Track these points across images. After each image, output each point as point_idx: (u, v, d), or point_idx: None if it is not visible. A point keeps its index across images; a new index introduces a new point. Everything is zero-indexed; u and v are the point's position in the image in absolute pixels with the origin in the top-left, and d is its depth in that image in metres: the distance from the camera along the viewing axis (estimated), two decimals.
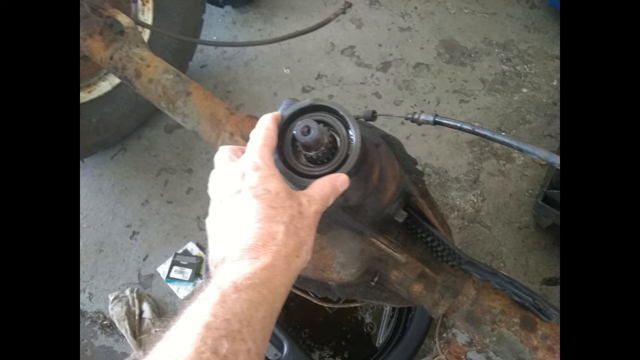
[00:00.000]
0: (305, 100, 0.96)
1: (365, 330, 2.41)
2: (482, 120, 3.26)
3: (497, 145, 3.10)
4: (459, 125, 1.20)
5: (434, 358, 2.32)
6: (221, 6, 3.90)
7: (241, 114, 1.71)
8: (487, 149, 3.11)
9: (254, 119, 1.65)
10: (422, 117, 1.26)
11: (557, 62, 3.49)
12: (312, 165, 0.94)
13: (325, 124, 0.94)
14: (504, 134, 1.03)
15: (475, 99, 3.38)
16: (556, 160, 1.03)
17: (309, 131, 0.87)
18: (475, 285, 1.30)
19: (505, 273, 1.32)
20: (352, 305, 1.47)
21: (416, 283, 1.28)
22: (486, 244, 2.80)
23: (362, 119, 1.32)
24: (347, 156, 0.93)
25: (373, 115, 1.33)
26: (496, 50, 3.61)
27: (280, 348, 2.03)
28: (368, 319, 2.43)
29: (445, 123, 1.23)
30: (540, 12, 3.79)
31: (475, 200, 2.94)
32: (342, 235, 1.18)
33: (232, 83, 3.58)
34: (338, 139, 0.94)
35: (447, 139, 3.18)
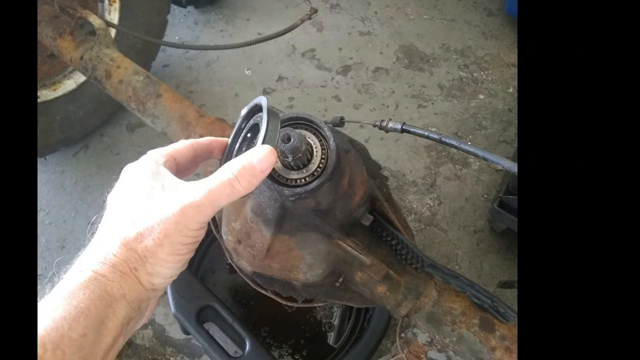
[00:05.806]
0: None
1: (323, 329, 2.44)
2: (440, 126, 3.32)
3: (453, 150, 3.16)
4: (426, 133, 1.24)
5: (393, 357, 2.36)
6: (184, 6, 3.89)
7: (210, 117, 1.73)
8: (444, 153, 3.18)
9: (222, 122, 1.67)
10: (390, 124, 1.30)
11: (513, 70, 3.58)
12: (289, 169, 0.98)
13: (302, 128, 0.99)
14: (470, 143, 1.07)
15: (433, 104, 3.44)
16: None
17: (289, 139, 0.91)
18: (437, 288, 1.34)
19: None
20: (311, 305, 1.50)
21: (380, 284, 1.31)
22: (442, 246, 2.86)
23: (330, 125, 1.36)
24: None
25: (341, 122, 1.37)
26: (454, 56, 3.69)
27: (241, 346, 2.04)
28: (327, 319, 2.46)
29: (413, 131, 1.27)
30: (498, 20, 3.89)
31: (431, 204, 3.00)
32: (311, 237, 1.20)
33: (194, 83, 3.57)
34: (314, 146, 0.97)
35: (405, 142, 3.22)
